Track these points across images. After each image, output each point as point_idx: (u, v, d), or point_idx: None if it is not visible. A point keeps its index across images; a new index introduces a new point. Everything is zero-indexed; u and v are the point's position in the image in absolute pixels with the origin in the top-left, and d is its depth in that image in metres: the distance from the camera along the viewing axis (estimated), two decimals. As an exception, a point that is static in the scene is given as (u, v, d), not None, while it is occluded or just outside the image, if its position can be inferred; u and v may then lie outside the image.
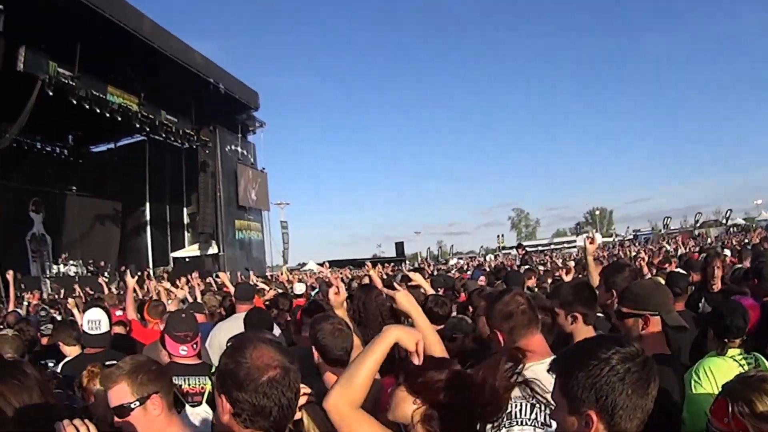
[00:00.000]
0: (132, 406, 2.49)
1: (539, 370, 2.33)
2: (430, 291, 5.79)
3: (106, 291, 14.56)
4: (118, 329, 6.37)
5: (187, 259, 37.74)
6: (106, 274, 29.03)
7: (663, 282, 4.73)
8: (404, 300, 2.94)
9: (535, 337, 2.77)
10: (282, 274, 25.95)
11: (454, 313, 5.35)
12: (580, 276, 7.51)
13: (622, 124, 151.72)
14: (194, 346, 4.01)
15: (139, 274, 30.56)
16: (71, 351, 4.99)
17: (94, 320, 4.78)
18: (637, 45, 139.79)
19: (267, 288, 10.73)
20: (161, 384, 2.59)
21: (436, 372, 2.15)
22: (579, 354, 1.71)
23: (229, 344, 2.22)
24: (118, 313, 7.01)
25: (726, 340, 3.29)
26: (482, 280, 9.07)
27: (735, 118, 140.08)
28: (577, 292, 3.46)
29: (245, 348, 1.93)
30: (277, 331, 5.60)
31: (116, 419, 2.52)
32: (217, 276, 15.06)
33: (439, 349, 2.71)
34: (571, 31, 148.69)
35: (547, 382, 2.16)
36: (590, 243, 5.45)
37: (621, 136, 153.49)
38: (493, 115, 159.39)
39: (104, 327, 4.83)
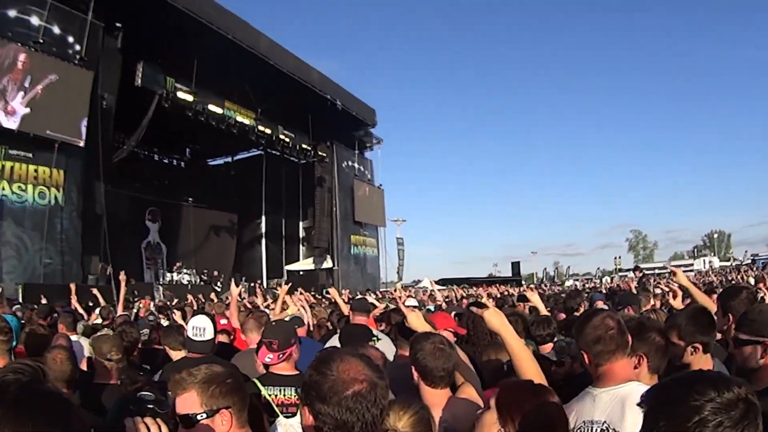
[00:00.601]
0: (198, 417, 2.31)
1: (610, 396, 2.49)
2: (545, 312, 5.65)
3: (215, 300, 14.70)
4: (222, 337, 6.42)
5: (301, 273, 38.20)
6: (218, 283, 29.63)
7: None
8: (493, 318, 2.88)
9: (619, 362, 2.63)
10: (396, 290, 25.68)
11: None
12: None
13: (742, 144, 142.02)
14: (281, 355, 3.91)
15: (251, 284, 31.24)
16: (176, 355, 5.12)
17: (200, 327, 4.80)
18: (746, 58, 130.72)
19: (378, 304, 10.28)
20: (234, 399, 2.40)
21: (527, 402, 2.13)
22: (669, 395, 1.46)
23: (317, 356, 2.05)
24: (223, 321, 7.02)
25: None
26: (600, 303, 8.35)
27: None
28: (696, 321, 3.21)
29: (332, 360, 1.87)
30: (391, 347, 5.35)
31: (180, 428, 2.35)
32: (327, 291, 15.16)
33: (533, 373, 2.69)
34: (693, 46, 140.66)
35: (616, 407, 2.43)
36: (674, 275, 5.33)
37: (741, 156, 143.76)
38: (612, 134, 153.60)
39: (209, 334, 4.83)
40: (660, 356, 2.89)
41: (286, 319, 7.03)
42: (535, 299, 6.00)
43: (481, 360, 4.21)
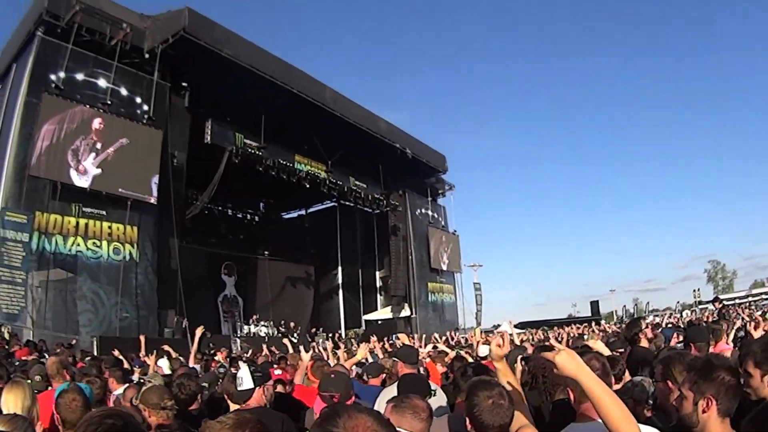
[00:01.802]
0: None
1: (590, 430, 2.64)
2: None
3: (290, 350, 14.60)
4: (278, 388, 6.35)
5: (379, 322, 38.08)
6: (295, 335, 29.79)
7: None
8: (568, 363, 2.49)
9: None
10: (474, 335, 25.27)
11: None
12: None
13: None
14: None
15: (329, 335, 31.24)
16: (233, 406, 5.02)
17: (239, 377, 4.85)
18: None
19: (449, 351, 10.19)
20: None
21: None
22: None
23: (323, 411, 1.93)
24: (277, 372, 6.84)
25: None
26: (674, 340, 8.05)
27: None
28: None
29: (338, 416, 1.70)
30: (443, 402, 5.19)
31: None
32: (397, 338, 14.84)
33: (625, 422, 2.35)
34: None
35: None
36: None
37: None
38: (682, 165, 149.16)
39: (246, 384, 4.81)
40: (731, 397, 2.62)
41: (353, 368, 6.94)
42: (598, 346, 5.60)
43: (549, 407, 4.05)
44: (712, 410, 2.55)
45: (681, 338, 7.70)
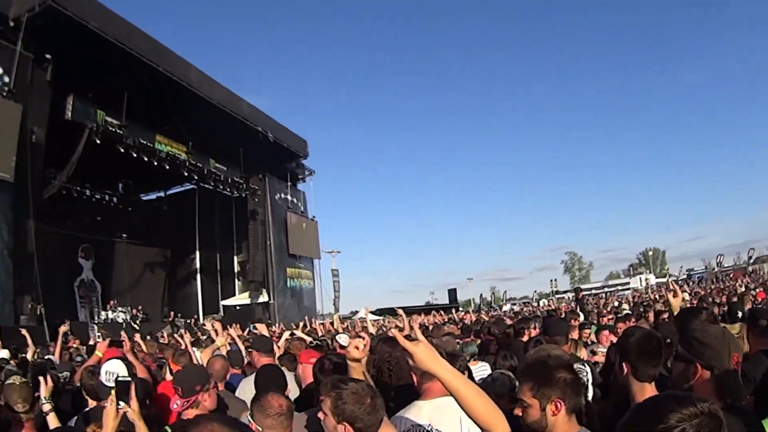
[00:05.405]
0: None
1: (432, 406, 3.03)
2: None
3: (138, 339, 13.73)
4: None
5: (237, 308, 37.81)
6: (138, 321, 29.10)
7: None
8: (425, 356, 2.30)
9: (436, 382, 2.67)
10: (334, 322, 25.56)
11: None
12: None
13: (674, 161, 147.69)
14: (185, 403, 3.81)
15: (187, 321, 30.82)
16: (91, 402, 4.71)
17: (112, 372, 4.18)
18: (679, 80, 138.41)
19: (307, 338, 9.68)
20: None
21: None
22: (635, 417, 1.66)
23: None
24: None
25: None
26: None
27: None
28: (639, 344, 3.04)
29: (192, 427, 1.64)
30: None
31: None
32: (255, 327, 14.46)
33: (490, 414, 2.29)
34: (615, 68, 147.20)
35: (436, 414, 2.99)
36: (674, 297, 4.78)
37: (673, 174, 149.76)
38: (544, 159, 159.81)
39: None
40: (574, 393, 2.62)
41: (216, 352, 6.73)
42: None
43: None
44: (561, 411, 2.56)
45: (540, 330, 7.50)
